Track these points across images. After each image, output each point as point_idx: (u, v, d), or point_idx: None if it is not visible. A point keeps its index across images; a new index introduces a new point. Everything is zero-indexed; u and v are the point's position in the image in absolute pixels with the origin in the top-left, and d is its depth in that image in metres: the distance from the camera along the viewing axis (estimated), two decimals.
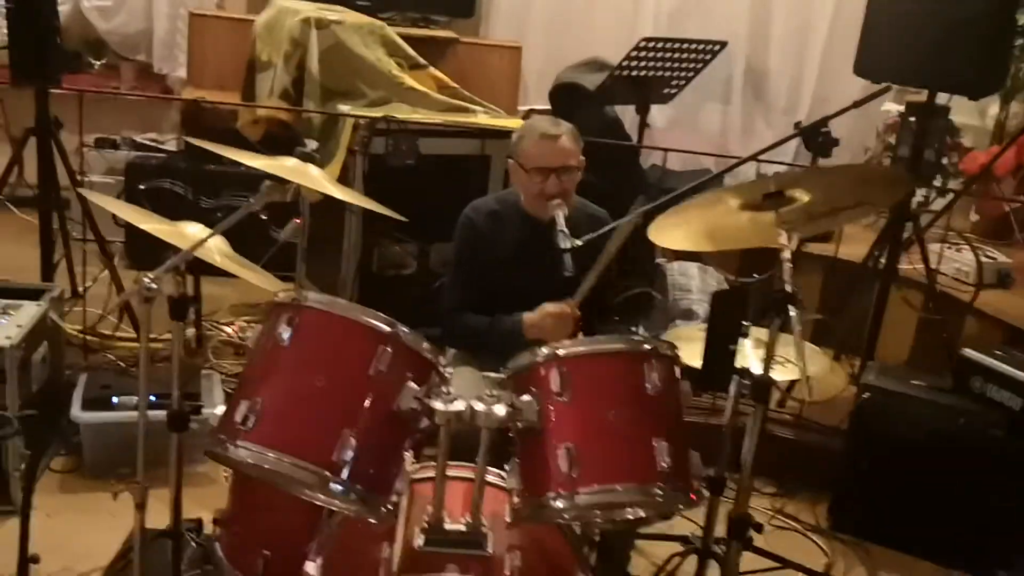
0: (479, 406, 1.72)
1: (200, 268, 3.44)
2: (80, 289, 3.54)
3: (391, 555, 1.80)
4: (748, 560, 2.80)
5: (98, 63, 5.02)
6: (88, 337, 3.47)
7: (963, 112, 5.12)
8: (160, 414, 2.36)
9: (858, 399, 3.14)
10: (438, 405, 1.72)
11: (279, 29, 3.56)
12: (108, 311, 1.89)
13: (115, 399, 3.04)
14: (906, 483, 3.07)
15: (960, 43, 3.23)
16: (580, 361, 1.77)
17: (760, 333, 2.01)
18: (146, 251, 3.54)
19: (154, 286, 1.79)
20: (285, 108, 3.56)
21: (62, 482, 3.01)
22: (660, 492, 1.70)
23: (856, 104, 2.39)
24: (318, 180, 1.96)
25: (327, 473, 1.68)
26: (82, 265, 3.55)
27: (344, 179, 3.56)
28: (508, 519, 1.87)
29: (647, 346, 1.80)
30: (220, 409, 2.73)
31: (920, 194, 4.54)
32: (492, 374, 1.80)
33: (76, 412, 2.98)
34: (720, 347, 1.94)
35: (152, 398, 2.94)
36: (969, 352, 2.89)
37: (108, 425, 2.99)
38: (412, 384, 1.75)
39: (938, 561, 3.06)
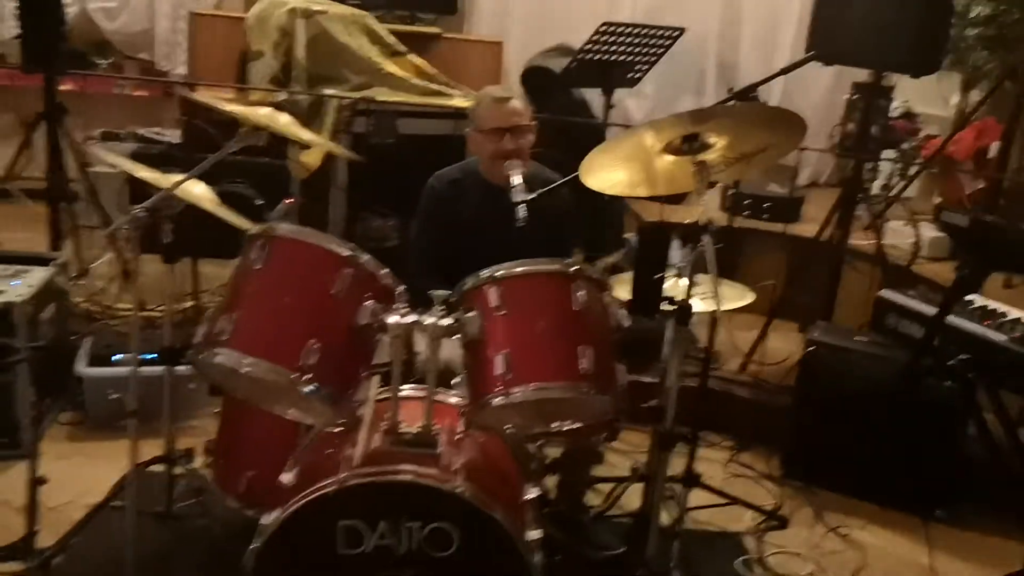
0: (428, 320, 1.98)
1: (198, 250, 3.75)
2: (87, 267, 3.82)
3: (353, 454, 2.05)
4: (700, 498, 3.07)
5: (104, 63, 5.31)
6: (91, 307, 3.75)
7: (927, 102, 5.40)
8: (157, 370, 2.63)
9: (804, 353, 3.37)
10: (391, 319, 1.97)
11: (268, 20, 3.85)
12: (102, 250, 2.09)
13: (116, 356, 3.30)
14: (849, 431, 3.27)
15: (901, 25, 3.50)
16: (515, 281, 2.03)
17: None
18: (150, 235, 3.87)
19: (142, 215, 2.04)
20: (272, 89, 3.82)
21: (68, 433, 3.27)
22: (585, 389, 1.95)
23: (783, 71, 2.64)
24: (288, 126, 2.21)
25: (295, 375, 1.93)
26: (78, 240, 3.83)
27: (329, 158, 3.83)
28: (459, 431, 2.13)
29: (574, 268, 2.05)
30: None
31: (882, 178, 4.83)
32: (440, 292, 2.04)
33: (81, 368, 3.24)
34: (647, 276, 2.19)
35: (151, 356, 3.25)
36: (885, 293, 3.12)
37: (109, 379, 3.25)
38: (370, 303, 2.00)
39: (881, 503, 3.27)
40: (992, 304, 2.80)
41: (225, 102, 2.20)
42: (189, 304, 3.83)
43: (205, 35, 4.81)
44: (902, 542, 3.11)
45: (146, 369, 3.17)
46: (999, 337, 2.46)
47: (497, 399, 1.96)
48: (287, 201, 2.86)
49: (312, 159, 3.52)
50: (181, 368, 2.55)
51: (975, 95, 5.23)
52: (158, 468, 2.65)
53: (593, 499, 3.00)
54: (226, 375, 2.07)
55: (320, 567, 1.98)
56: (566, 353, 1.97)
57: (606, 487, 3.01)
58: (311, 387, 1.94)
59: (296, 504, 1.96)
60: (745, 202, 4.74)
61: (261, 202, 3.58)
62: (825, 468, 3.35)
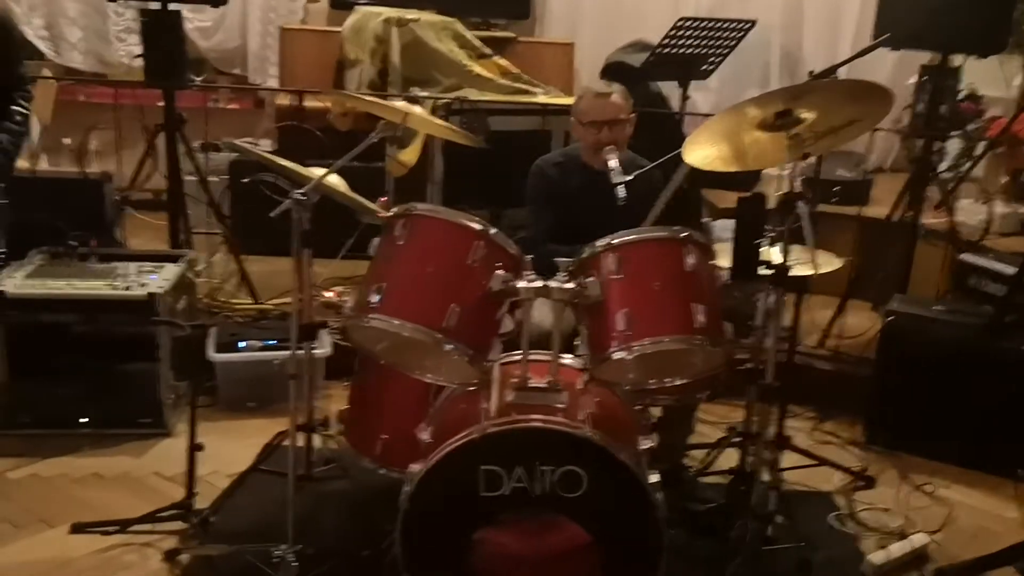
0: (553, 283, 2.22)
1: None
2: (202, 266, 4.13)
3: (488, 407, 2.29)
4: (790, 461, 3.26)
5: (199, 79, 5.65)
6: (211, 302, 4.06)
7: (990, 84, 5.51)
8: (281, 354, 2.87)
9: (884, 323, 3.54)
10: (521, 283, 2.22)
11: (364, 30, 4.14)
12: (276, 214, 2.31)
13: (241, 343, 3.59)
14: (931, 396, 3.44)
15: (966, 7, 3.66)
16: (630, 247, 2.26)
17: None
18: (253, 237, 4.18)
19: (304, 197, 2.31)
20: (371, 94, 4.10)
21: (202, 414, 3.52)
22: (699, 341, 2.17)
23: (859, 54, 2.81)
24: (422, 117, 2.46)
25: (439, 335, 2.18)
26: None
27: (424, 158, 4.10)
28: (581, 387, 2.36)
29: (684, 234, 2.28)
30: (329, 349, 3.32)
31: (949, 159, 4.96)
32: (564, 259, 2.27)
33: (211, 354, 3.53)
34: (747, 242, 2.40)
35: (272, 342, 3.54)
36: (966, 256, 3.29)
37: (237, 364, 3.55)
38: (501, 271, 2.25)
39: (964, 464, 3.41)
40: None
41: (368, 100, 2.43)
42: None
43: (294, 48, 5.15)
44: (987, 499, 3.26)
45: (271, 354, 3.51)
46: None
47: (618, 352, 2.19)
48: (382, 199, 3.11)
49: (410, 157, 3.78)
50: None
51: None
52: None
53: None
54: (376, 339, 2.32)
55: (464, 508, 2.22)
56: (680, 309, 2.19)
57: (700, 455, 3.22)
58: (454, 345, 2.19)
59: (443, 451, 2.20)
60: (816, 187, 4.90)
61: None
62: (908, 433, 3.50)
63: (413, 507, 2.20)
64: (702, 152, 2.51)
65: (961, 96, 4.96)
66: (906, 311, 3.52)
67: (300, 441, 2.82)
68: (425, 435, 2.40)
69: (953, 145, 4.85)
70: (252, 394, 3.57)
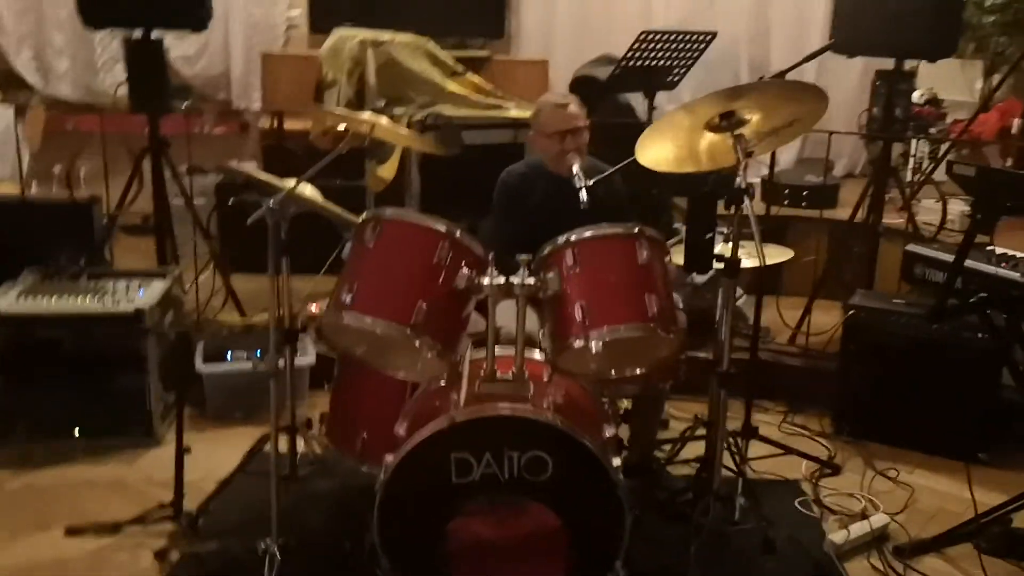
0: (516, 279, 2.35)
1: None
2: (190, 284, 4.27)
3: (457, 399, 2.42)
4: (758, 451, 3.40)
5: (183, 105, 5.81)
6: (197, 318, 4.19)
7: (952, 89, 5.70)
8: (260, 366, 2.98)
9: (846, 317, 3.69)
10: (485, 280, 2.36)
11: (341, 52, 4.30)
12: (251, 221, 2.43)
13: (228, 355, 3.72)
14: (893, 386, 3.58)
15: (916, 13, 3.83)
16: (587, 243, 2.40)
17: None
18: (239, 256, 4.32)
19: (275, 207, 2.45)
20: (347, 115, 4.25)
21: (190, 423, 3.65)
22: (652, 328, 2.31)
23: (804, 60, 2.97)
24: (390, 128, 2.61)
25: (408, 331, 2.31)
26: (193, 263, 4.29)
27: (402, 173, 4.25)
28: (546, 378, 2.50)
29: (637, 229, 2.42)
30: (312, 358, 3.44)
31: (912, 160, 5.14)
32: (524, 256, 2.41)
33: (199, 365, 3.66)
34: (698, 237, 2.55)
35: (258, 353, 3.66)
36: (911, 246, 3.44)
37: (224, 375, 3.68)
38: (466, 270, 2.39)
39: (926, 450, 3.54)
40: (1007, 250, 3.11)
41: (347, 117, 2.57)
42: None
43: (276, 72, 5.31)
44: (947, 482, 3.38)
45: (254, 363, 3.63)
46: (1014, 275, 2.76)
47: (578, 341, 2.32)
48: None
49: (388, 172, 3.93)
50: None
51: (998, 80, 5.53)
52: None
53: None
54: (350, 337, 2.46)
55: (438, 494, 2.34)
56: (635, 300, 2.33)
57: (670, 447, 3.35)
58: (422, 340, 2.33)
59: (414, 441, 2.32)
60: (784, 191, 5.08)
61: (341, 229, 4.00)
62: (872, 422, 3.64)
63: (388, 495, 2.33)
64: (654, 154, 2.65)
65: (921, 101, 5.15)
66: (866, 305, 3.67)
67: (284, 444, 2.94)
68: (401, 429, 2.53)
69: (913, 147, 5.02)
70: (239, 404, 3.69)
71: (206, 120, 5.70)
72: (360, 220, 2.50)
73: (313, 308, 4.42)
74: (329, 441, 2.94)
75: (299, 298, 4.64)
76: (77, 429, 3.42)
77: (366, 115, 2.60)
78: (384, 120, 2.58)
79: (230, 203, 5.05)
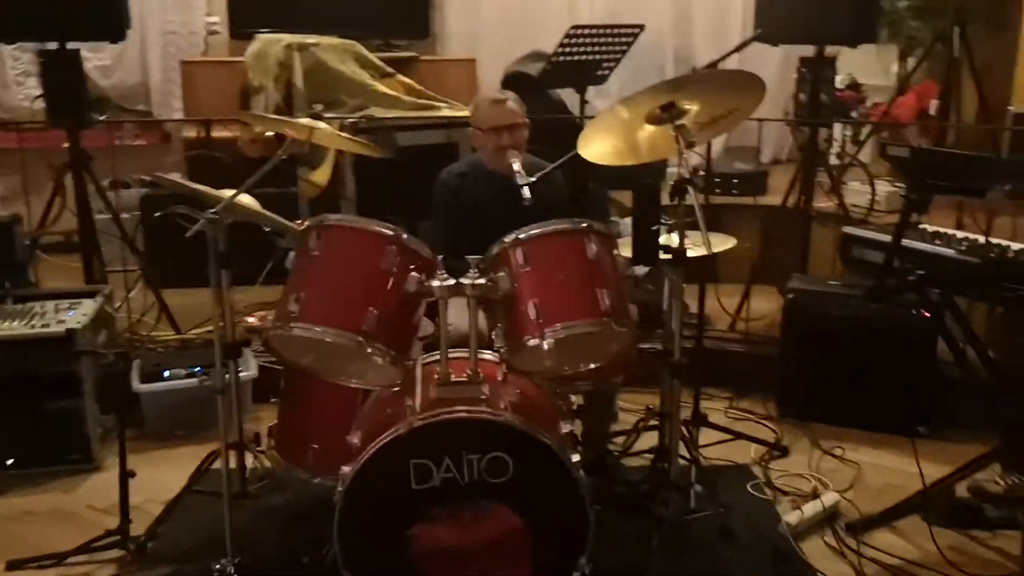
0: (466, 280, 2.33)
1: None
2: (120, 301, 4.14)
3: (413, 404, 2.39)
4: (708, 438, 3.43)
5: (101, 117, 5.63)
6: (131, 336, 4.07)
7: (870, 74, 5.85)
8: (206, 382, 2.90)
9: (785, 302, 3.75)
10: (435, 283, 2.33)
11: (266, 57, 4.21)
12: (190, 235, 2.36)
13: (166, 372, 3.62)
14: (834, 366, 3.65)
15: (836, 2, 3.92)
16: (536, 240, 2.39)
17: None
18: (170, 270, 4.21)
19: (216, 216, 2.38)
20: (280, 119, 4.17)
21: (130, 445, 3.52)
22: (606, 323, 2.31)
23: (735, 50, 3.02)
24: (328, 132, 2.56)
25: (360, 338, 2.27)
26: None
27: (336, 177, 4.19)
28: (501, 378, 2.48)
29: (585, 225, 2.41)
30: (255, 371, 3.36)
31: (836, 144, 5.25)
32: (473, 256, 2.39)
33: (136, 385, 3.55)
34: (644, 230, 2.55)
35: (197, 369, 3.57)
36: (847, 228, 3.52)
37: (162, 393, 3.57)
38: (415, 273, 2.35)
39: (869, 427, 3.62)
40: (942, 229, 3.20)
41: (279, 122, 2.51)
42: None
43: (197, 80, 5.18)
44: (891, 456, 3.46)
45: (194, 381, 3.54)
46: (948, 251, 2.84)
47: (532, 340, 2.31)
48: (298, 222, 3.18)
49: (321, 177, 3.86)
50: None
51: (913, 63, 5.69)
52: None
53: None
54: (299, 348, 2.40)
55: (398, 502, 2.30)
56: (587, 295, 2.33)
57: (623, 441, 3.36)
58: (374, 347, 2.28)
59: (372, 449, 2.28)
60: (716, 180, 5.14)
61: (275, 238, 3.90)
62: (816, 403, 3.71)
63: (347, 506, 2.28)
64: (596, 148, 2.65)
65: (842, 86, 5.27)
66: (803, 288, 3.74)
67: (233, 460, 2.86)
68: (355, 439, 2.49)
69: (838, 132, 5.14)
70: (180, 422, 3.59)
71: (126, 132, 5.52)
72: (302, 228, 2.44)
73: (252, 320, 4.34)
74: (279, 455, 2.87)
75: (237, 310, 4.57)
76: (10, 460, 3.28)
77: (304, 120, 2.53)
78: (323, 125, 2.53)
79: (157, 215, 4.98)
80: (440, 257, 2.43)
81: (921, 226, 3.17)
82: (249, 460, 2.96)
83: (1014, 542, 2.80)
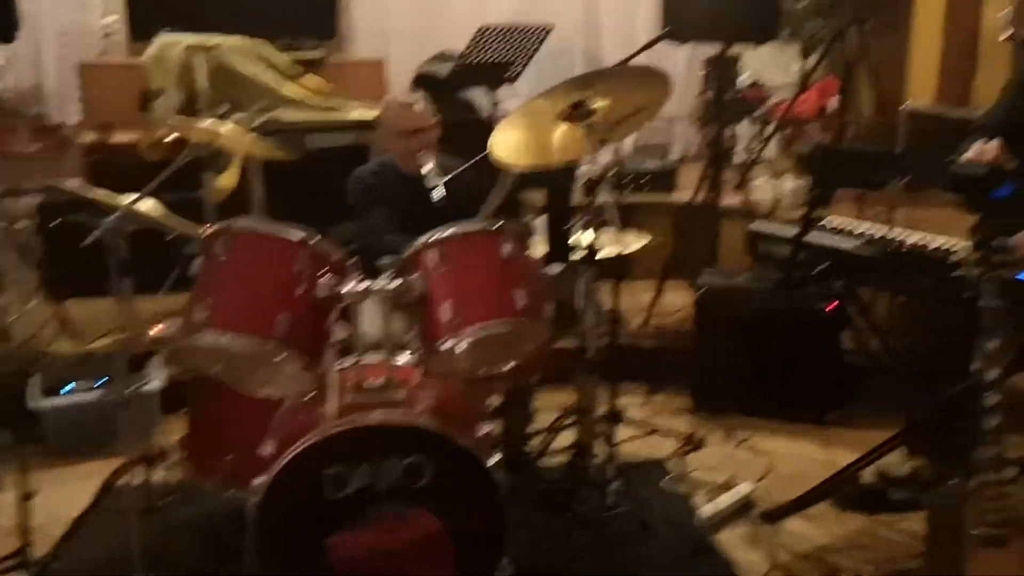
0: (379, 284, 2.30)
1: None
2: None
3: (327, 412, 2.34)
4: (625, 434, 3.46)
5: None
6: (28, 351, 3.90)
7: (772, 72, 5.99)
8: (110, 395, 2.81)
9: (697, 296, 3.81)
10: (347, 288, 2.29)
11: (167, 59, 4.09)
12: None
13: (68, 386, 3.48)
14: (745, 358, 3.72)
15: (739, 2, 4.01)
16: (450, 241, 2.37)
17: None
18: (69, 280, 4.05)
19: (113, 223, 2.29)
20: (182, 122, 4.05)
21: (32, 463, 3.40)
22: (522, 323, 2.31)
23: (641, 49, 3.05)
24: (234, 135, 2.49)
25: (271, 346, 2.22)
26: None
27: (244, 182, 4.08)
28: (417, 382, 2.45)
29: (498, 225, 2.41)
30: (161, 382, 3.27)
31: (742, 143, 5.37)
32: (386, 261, 2.35)
33: (36, 402, 3.40)
34: (558, 230, 2.56)
35: (100, 381, 3.45)
36: (754, 224, 3.61)
37: (65, 408, 3.44)
38: (326, 277, 2.31)
39: (781, 416, 3.71)
40: (843, 222, 3.30)
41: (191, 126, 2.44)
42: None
43: (96, 83, 4.99)
44: (802, 444, 3.56)
45: (98, 394, 3.42)
46: (850, 244, 2.93)
47: (447, 342, 2.29)
48: (206, 227, 3.10)
49: (228, 182, 3.76)
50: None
51: (814, 60, 5.85)
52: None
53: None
54: (208, 358, 2.33)
55: (313, 513, 2.26)
56: (502, 295, 2.32)
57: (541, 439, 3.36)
58: (286, 354, 2.23)
59: (286, 459, 2.23)
60: (627, 178, 5.19)
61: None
62: (729, 395, 3.78)
63: (262, 518, 2.23)
64: (508, 147, 2.65)
65: (745, 85, 5.39)
66: (715, 283, 3.81)
67: (141, 474, 2.77)
68: (268, 449, 2.43)
69: (743, 129, 5.25)
70: (85, 437, 3.45)
71: (20, 137, 5.30)
72: (208, 233, 2.37)
73: (157, 329, 4.20)
74: (189, 467, 2.79)
75: (141, 320, 4.42)
76: None
77: (206, 123, 2.46)
78: (228, 127, 2.46)
79: (54, 224, 4.79)
80: (352, 260, 2.39)
81: (824, 220, 3.26)
82: (159, 474, 2.88)
83: (921, 523, 2.89)
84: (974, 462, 2.13)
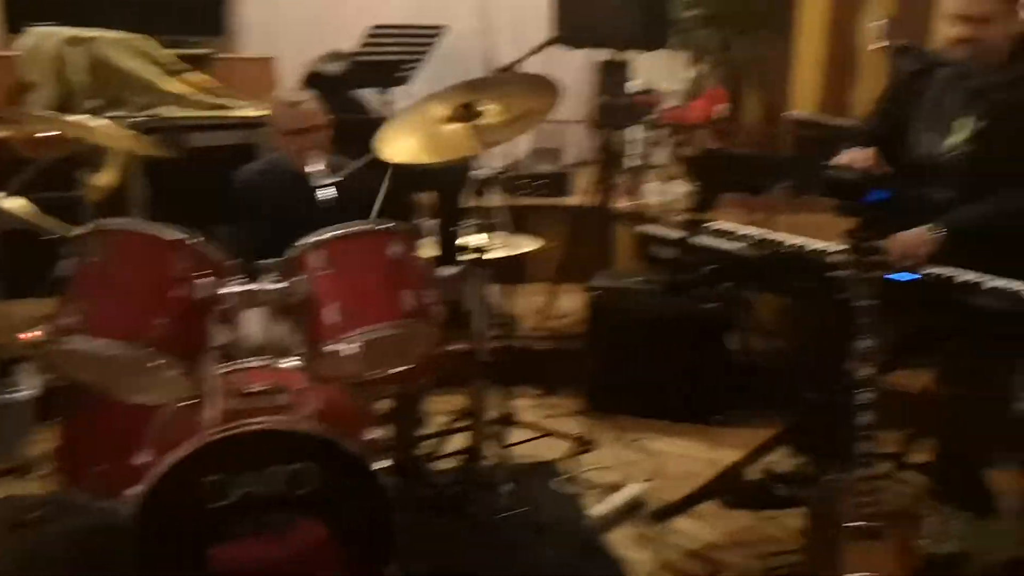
0: (261, 286, 2.23)
1: None
2: None
3: (207, 418, 2.26)
4: (518, 437, 3.46)
5: None
6: None
7: (662, 79, 6.11)
8: None
9: (589, 298, 3.85)
10: (227, 290, 2.21)
11: (41, 52, 3.90)
12: None
13: None
14: (636, 359, 3.78)
15: (628, 8, 4.07)
16: (336, 242, 2.32)
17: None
18: None
19: None
20: (53, 117, 3.87)
21: None
22: (410, 325, 2.28)
23: (530, 53, 3.07)
24: (105, 132, 2.39)
25: (146, 350, 2.13)
26: None
27: (125, 181, 3.93)
28: (303, 386, 2.39)
29: (384, 225, 2.37)
30: (34, 390, 3.12)
31: (633, 148, 5.46)
32: (268, 261, 2.29)
33: None
34: (448, 232, 2.54)
35: None
36: (640, 227, 3.66)
37: None
38: (205, 279, 2.23)
39: (671, 418, 3.78)
40: (728, 226, 3.37)
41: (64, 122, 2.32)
42: None
43: None
44: (691, 445, 3.63)
45: None
46: (733, 247, 2.99)
47: (333, 346, 2.24)
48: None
49: (106, 180, 3.61)
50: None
51: (703, 69, 6.00)
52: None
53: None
54: (80, 363, 2.22)
55: (193, 523, 2.17)
56: (389, 297, 2.28)
57: (433, 443, 3.34)
58: (162, 359, 2.15)
59: (162, 468, 2.14)
60: (521, 181, 5.22)
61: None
62: (620, 396, 3.83)
63: (139, 530, 2.14)
64: (398, 147, 2.62)
65: (636, 90, 5.48)
66: (607, 285, 3.85)
67: (9, 488, 2.63)
68: (145, 457, 2.34)
69: (635, 134, 5.33)
70: None
71: None
72: (80, 233, 2.26)
73: (29, 334, 4.00)
74: (62, 479, 2.65)
75: (12, 324, 4.21)
76: None
77: (78, 118, 2.35)
78: (98, 123, 2.35)
79: None
80: (235, 263, 2.31)
81: (709, 223, 3.32)
82: (29, 486, 2.74)
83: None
84: (849, 458, 2.20)
